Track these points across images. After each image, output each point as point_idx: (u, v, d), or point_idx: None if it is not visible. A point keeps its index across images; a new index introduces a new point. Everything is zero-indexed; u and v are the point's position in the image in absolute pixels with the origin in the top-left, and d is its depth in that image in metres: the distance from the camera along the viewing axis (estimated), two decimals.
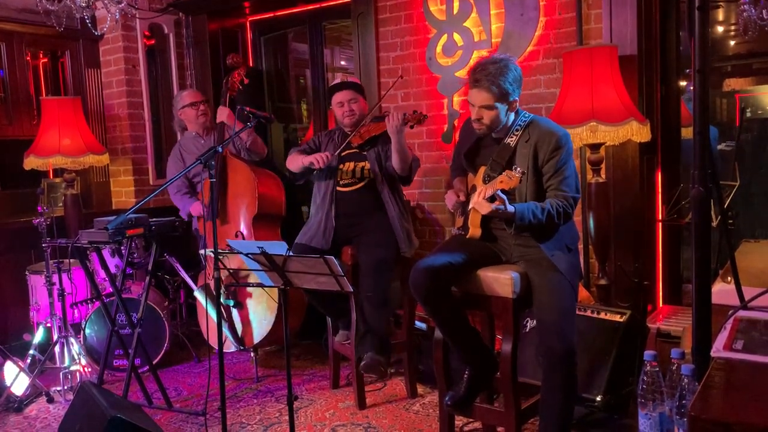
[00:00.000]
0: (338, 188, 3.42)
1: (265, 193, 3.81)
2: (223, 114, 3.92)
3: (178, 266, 4.00)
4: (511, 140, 2.55)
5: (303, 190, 3.58)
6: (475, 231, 2.59)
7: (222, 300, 3.67)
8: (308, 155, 3.38)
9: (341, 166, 3.42)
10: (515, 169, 2.35)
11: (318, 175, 3.47)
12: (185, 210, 4.03)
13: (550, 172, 2.47)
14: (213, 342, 3.58)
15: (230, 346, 3.77)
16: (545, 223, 2.40)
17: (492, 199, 2.32)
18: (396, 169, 3.28)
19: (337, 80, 3.56)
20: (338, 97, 3.44)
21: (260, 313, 3.71)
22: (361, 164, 3.41)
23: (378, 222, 3.34)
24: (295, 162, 3.43)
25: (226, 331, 3.71)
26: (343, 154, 3.42)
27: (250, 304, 3.75)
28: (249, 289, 3.69)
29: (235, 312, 3.76)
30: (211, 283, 3.56)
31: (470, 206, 2.54)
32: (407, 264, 3.31)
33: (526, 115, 2.59)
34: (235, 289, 3.70)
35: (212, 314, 3.73)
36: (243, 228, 3.82)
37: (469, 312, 2.66)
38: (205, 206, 3.61)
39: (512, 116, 2.57)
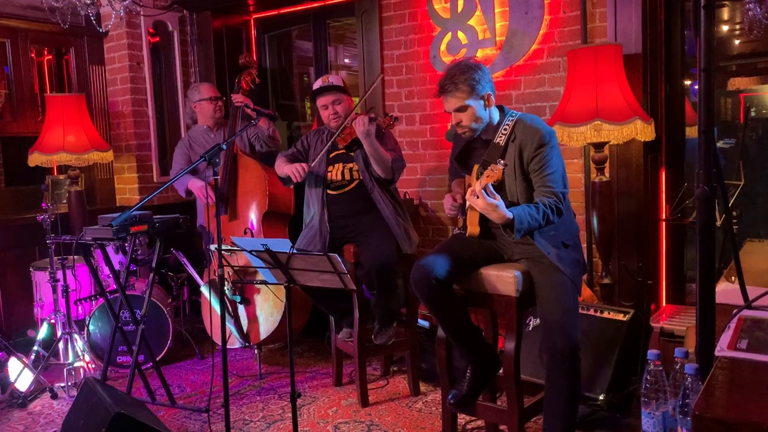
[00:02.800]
0: (329, 191, 3.41)
1: (276, 192, 3.81)
2: (240, 101, 3.87)
3: (185, 261, 4.00)
4: (500, 139, 2.55)
5: None
6: (473, 229, 2.58)
7: (229, 295, 3.68)
8: (291, 163, 3.37)
9: (330, 168, 3.42)
10: (498, 162, 2.35)
11: (308, 180, 3.46)
12: (183, 186, 3.98)
13: (535, 169, 2.47)
14: (217, 338, 3.58)
15: (234, 343, 3.78)
16: (543, 222, 2.39)
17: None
18: (376, 172, 3.27)
19: (318, 82, 3.48)
20: (321, 101, 3.43)
21: (267, 310, 3.72)
22: (350, 165, 3.39)
23: (373, 223, 3.32)
24: (280, 169, 3.43)
25: (230, 327, 3.72)
26: (331, 155, 3.42)
27: (258, 300, 3.75)
28: (257, 285, 3.69)
29: (241, 308, 3.77)
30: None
31: (466, 204, 2.55)
32: (409, 261, 3.31)
33: (514, 114, 2.59)
34: (243, 285, 3.71)
35: (218, 310, 3.73)
36: (252, 225, 3.82)
37: (471, 310, 2.66)
38: (209, 185, 3.56)
39: (497, 115, 2.58)
